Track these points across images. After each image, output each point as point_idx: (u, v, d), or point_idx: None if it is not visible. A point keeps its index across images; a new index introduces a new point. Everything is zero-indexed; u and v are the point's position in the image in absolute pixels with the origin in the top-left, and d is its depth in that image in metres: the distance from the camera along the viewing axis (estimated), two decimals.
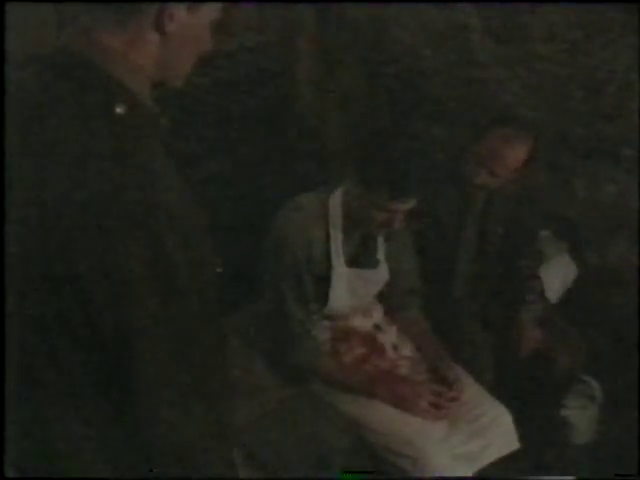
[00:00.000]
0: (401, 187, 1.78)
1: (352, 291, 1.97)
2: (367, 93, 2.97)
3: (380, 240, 2.04)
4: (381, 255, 2.05)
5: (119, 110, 0.96)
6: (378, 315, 2.11)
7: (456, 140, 2.39)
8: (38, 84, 1.00)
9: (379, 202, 1.80)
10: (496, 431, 1.89)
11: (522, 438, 1.93)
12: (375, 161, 1.80)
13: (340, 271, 1.94)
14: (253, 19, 2.74)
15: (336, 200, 1.93)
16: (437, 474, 1.78)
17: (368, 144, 1.86)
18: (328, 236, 1.92)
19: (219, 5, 1.06)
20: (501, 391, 2.06)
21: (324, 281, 1.93)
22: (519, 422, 1.95)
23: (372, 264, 2.03)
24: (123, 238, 0.92)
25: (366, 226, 1.92)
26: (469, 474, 1.82)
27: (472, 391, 1.98)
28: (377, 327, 2.08)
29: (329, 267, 1.93)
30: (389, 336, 2.08)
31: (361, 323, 2.06)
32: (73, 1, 1.07)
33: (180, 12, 1.00)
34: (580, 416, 2.42)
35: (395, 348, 2.07)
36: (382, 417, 1.88)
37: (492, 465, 1.86)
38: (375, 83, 2.95)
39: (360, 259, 2.00)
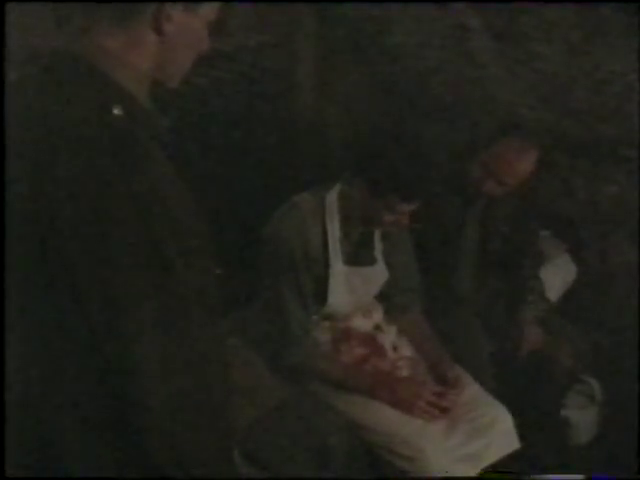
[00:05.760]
0: (410, 189, 1.78)
1: (350, 289, 1.97)
2: (367, 93, 2.97)
3: (377, 238, 2.04)
4: (378, 253, 2.05)
5: (117, 111, 0.96)
6: (378, 315, 2.11)
7: (456, 141, 2.39)
8: (37, 85, 1.00)
9: (389, 204, 1.80)
10: (496, 431, 1.89)
11: (522, 438, 1.93)
12: (378, 162, 1.80)
13: (338, 269, 1.94)
14: (253, 19, 2.74)
15: (333, 198, 1.93)
16: (437, 474, 1.78)
17: (369, 144, 1.86)
18: (325, 234, 1.92)
19: (216, 5, 1.06)
20: (501, 391, 2.06)
21: (322, 280, 1.93)
22: (519, 422, 1.94)
23: (369, 262, 2.03)
24: (122, 239, 0.92)
25: (373, 226, 1.92)
26: (469, 474, 1.82)
27: (472, 391, 1.97)
28: (377, 327, 2.08)
29: (327, 265, 1.93)
30: (389, 336, 2.08)
31: (361, 323, 2.06)
32: (73, 1, 1.07)
33: (177, 13, 1.01)
34: (580, 416, 2.42)
35: (395, 348, 2.06)
36: (382, 417, 1.88)
37: (492, 465, 1.86)
38: (375, 83, 2.95)
39: (358, 257, 2.00)
